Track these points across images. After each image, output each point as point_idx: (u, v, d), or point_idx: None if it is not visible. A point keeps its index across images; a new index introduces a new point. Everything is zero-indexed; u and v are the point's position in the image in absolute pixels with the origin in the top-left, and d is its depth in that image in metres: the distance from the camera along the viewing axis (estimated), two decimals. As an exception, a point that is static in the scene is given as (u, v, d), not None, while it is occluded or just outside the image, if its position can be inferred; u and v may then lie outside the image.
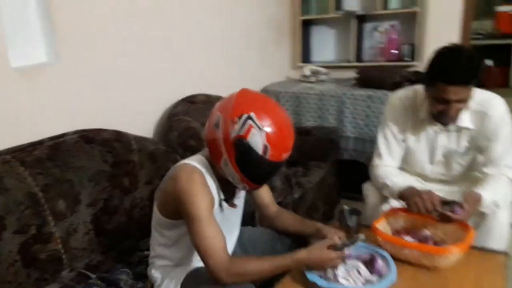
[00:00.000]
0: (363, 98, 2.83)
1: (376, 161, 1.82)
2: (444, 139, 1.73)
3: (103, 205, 1.70)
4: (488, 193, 1.54)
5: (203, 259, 1.25)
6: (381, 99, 2.75)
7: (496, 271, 1.38)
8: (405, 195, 1.59)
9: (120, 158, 1.81)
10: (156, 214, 1.41)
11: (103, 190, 1.71)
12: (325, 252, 1.29)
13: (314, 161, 2.63)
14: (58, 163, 1.60)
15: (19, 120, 1.67)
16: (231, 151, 1.24)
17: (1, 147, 1.57)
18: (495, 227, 1.60)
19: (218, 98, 2.33)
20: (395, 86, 2.42)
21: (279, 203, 1.66)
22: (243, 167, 1.26)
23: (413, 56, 3.17)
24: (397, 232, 1.56)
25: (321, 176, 2.53)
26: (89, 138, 1.77)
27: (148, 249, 1.58)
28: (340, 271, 1.31)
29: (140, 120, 2.22)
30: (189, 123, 2.24)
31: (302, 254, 1.29)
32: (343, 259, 1.32)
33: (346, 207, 1.49)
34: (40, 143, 1.64)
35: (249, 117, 1.21)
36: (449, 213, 1.44)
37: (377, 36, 3.39)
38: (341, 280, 1.29)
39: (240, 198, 1.49)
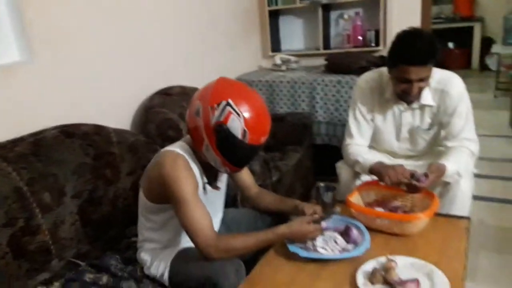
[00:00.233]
0: (333, 83, 2.93)
1: (347, 140, 1.91)
2: (409, 117, 1.83)
3: (88, 197, 1.73)
4: (451, 164, 1.65)
5: (192, 238, 1.32)
6: (349, 84, 2.85)
7: (460, 235, 1.49)
8: (376, 169, 1.68)
9: (101, 151, 1.84)
10: (143, 200, 1.46)
11: (86, 182, 1.73)
12: (305, 225, 1.38)
13: (290, 146, 2.71)
14: (41, 158, 1.62)
15: (-3, 118, 1.68)
16: (212, 137, 1.30)
17: (-19, 145, 1.57)
18: (458, 195, 1.71)
19: (193, 89, 2.38)
20: (362, 70, 2.50)
21: (259, 186, 1.73)
22: (224, 152, 1.32)
23: (377, 41, 3.29)
24: (369, 205, 1.66)
25: (297, 160, 2.63)
26: (69, 133, 1.78)
27: (134, 236, 1.64)
28: (319, 242, 1.40)
29: (117, 113, 2.24)
30: (166, 115, 2.28)
31: (283, 228, 1.37)
32: (321, 231, 1.41)
33: (321, 184, 1.56)
34: (21, 139, 1.65)
35: (228, 104, 1.27)
36: (415, 182, 1.54)
37: (342, 24, 3.49)
38: (320, 250, 1.38)
39: (223, 181, 1.56)
